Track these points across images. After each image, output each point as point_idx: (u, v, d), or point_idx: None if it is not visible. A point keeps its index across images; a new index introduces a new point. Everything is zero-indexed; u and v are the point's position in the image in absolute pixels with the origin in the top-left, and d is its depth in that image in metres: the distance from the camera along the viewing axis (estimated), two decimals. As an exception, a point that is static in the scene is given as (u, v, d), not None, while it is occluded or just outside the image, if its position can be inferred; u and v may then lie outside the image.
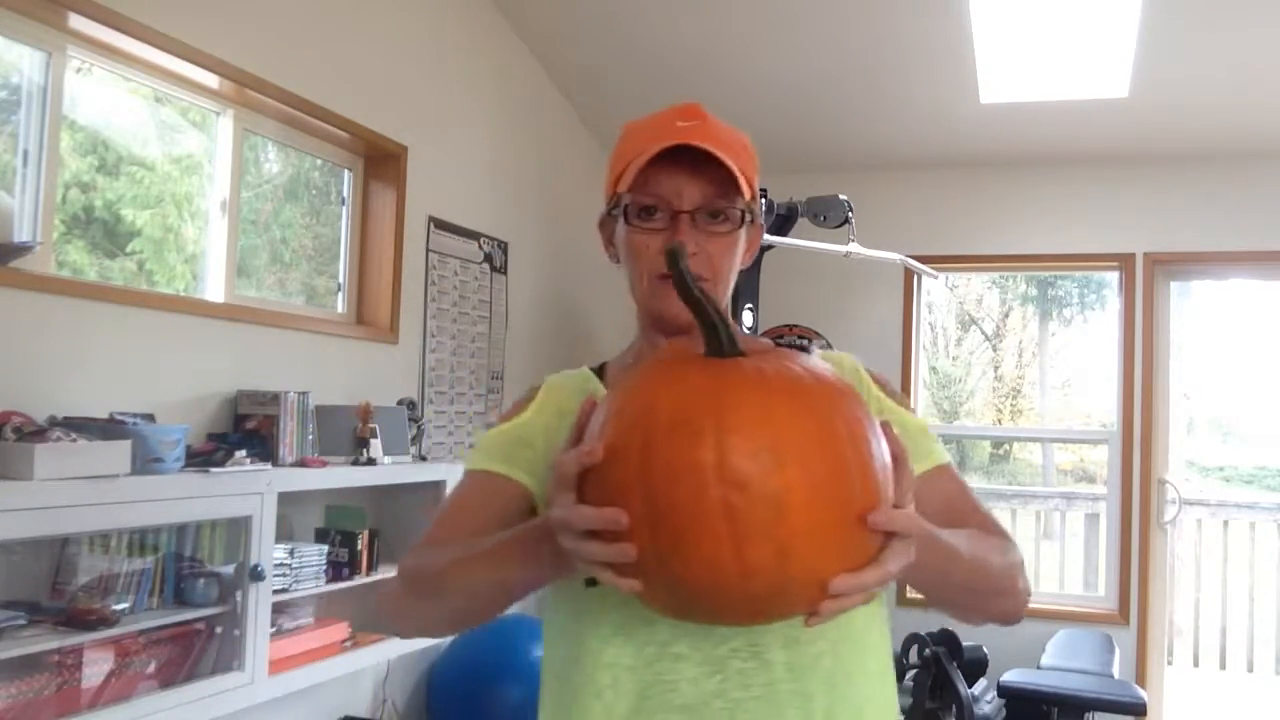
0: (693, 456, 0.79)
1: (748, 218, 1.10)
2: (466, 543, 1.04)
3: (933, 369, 7.49)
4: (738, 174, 1.04)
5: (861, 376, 1.17)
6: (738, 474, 0.78)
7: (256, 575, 2.49)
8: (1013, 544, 1.09)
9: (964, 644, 3.81)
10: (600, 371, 1.22)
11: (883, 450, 0.85)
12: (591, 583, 0.96)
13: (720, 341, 0.90)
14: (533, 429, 1.14)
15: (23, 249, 2.28)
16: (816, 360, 0.91)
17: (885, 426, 0.87)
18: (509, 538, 0.98)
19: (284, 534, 2.73)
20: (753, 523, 0.78)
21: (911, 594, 4.75)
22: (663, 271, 1.05)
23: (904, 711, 3.71)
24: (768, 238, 4.09)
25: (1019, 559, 1.09)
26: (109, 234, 2.76)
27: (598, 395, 0.94)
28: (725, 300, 1.12)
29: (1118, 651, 4.19)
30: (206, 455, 2.47)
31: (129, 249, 2.81)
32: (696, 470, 0.79)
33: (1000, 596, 1.07)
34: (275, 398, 2.74)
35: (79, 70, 2.58)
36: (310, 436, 2.84)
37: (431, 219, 3.71)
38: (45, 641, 2.06)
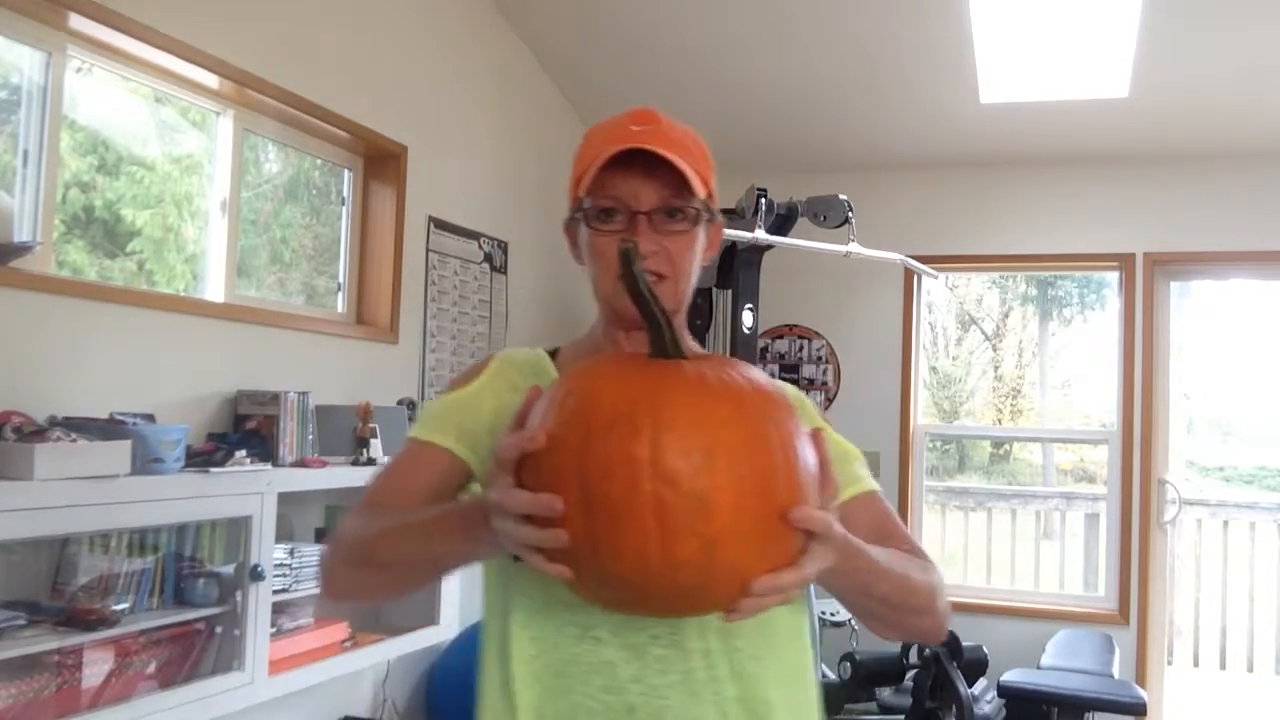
0: (628, 451, 0.83)
1: (705, 216, 1.14)
2: (399, 513, 1.07)
3: (933, 369, 7.49)
4: (690, 174, 1.08)
5: (805, 404, 1.22)
6: (670, 471, 0.82)
7: (256, 575, 2.49)
8: (934, 567, 1.14)
9: (964, 644, 3.81)
10: (554, 354, 1.25)
11: (809, 458, 0.90)
12: (517, 558, 1.00)
13: (664, 343, 0.94)
14: (480, 399, 1.18)
15: (23, 249, 2.28)
16: (757, 371, 0.95)
17: (816, 435, 0.92)
18: (443, 513, 1.02)
19: (284, 534, 2.73)
20: (681, 518, 0.82)
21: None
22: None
23: (904, 712, 3.71)
24: (767, 237, 4.09)
25: (940, 581, 1.13)
26: (109, 234, 2.76)
27: (548, 379, 0.97)
28: (687, 296, 1.16)
29: (1118, 651, 4.19)
30: (206, 455, 2.47)
31: (129, 249, 2.81)
32: (631, 465, 0.83)
33: (920, 614, 1.10)
34: (275, 398, 2.74)
35: (79, 70, 2.58)
36: (310, 436, 2.84)
37: (431, 219, 3.71)
38: (45, 641, 2.06)
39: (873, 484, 1.19)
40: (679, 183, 1.09)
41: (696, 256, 1.15)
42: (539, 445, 0.86)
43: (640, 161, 1.08)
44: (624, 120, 1.13)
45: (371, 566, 1.08)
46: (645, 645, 1.05)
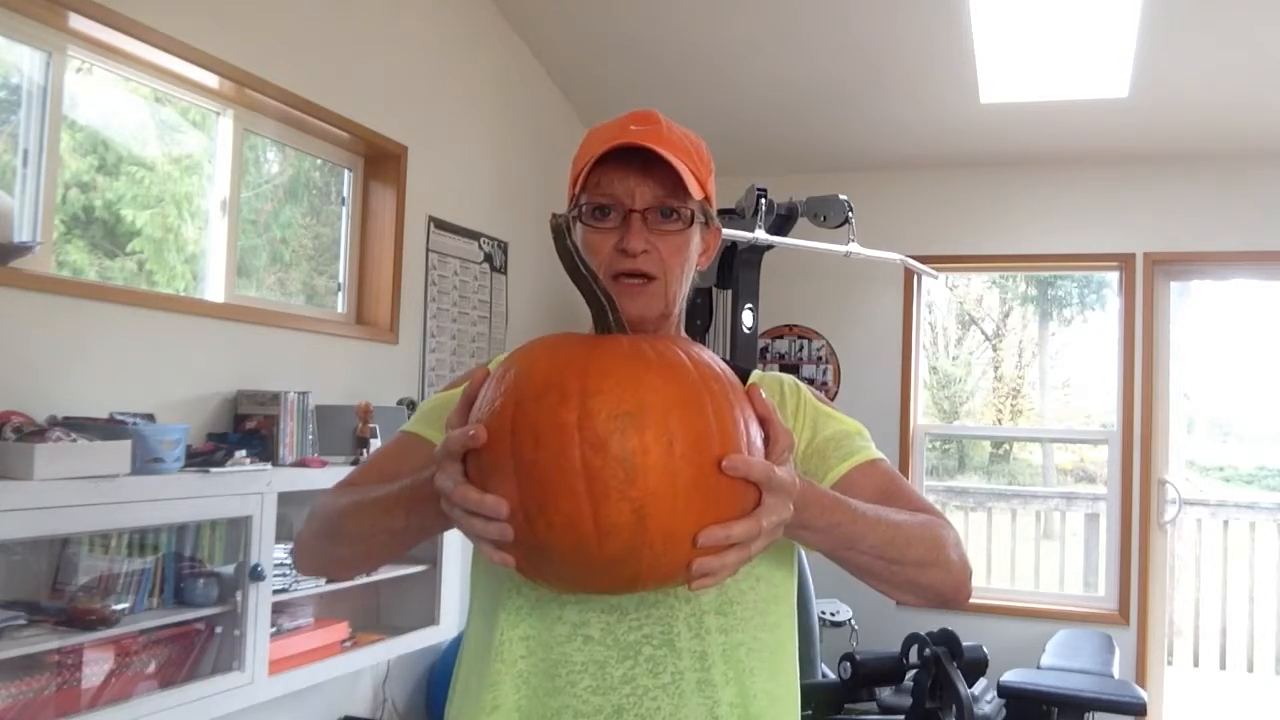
0: (558, 417, 0.83)
1: (700, 218, 1.13)
2: (366, 488, 1.09)
3: (933, 369, 7.49)
4: (686, 175, 1.07)
5: (801, 392, 1.22)
6: (597, 434, 0.82)
7: (256, 575, 2.49)
8: (945, 522, 1.10)
9: (964, 644, 3.81)
10: None
11: (750, 425, 0.89)
12: None
13: (608, 321, 0.94)
14: None
15: (23, 249, 2.28)
16: (704, 349, 0.94)
17: (753, 392, 0.91)
18: (402, 488, 1.02)
19: (284, 534, 2.73)
20: (610, 483, 0.81)
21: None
22: (616, 270, 1.09)
23: (904, 712, 3.71)
24: (767, 237, 4.09)
25: (951, 535, 1.08)
26: (109, 234, 2.75)
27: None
28: (679, 299, 1.15)
29: (1118, 651, 4.19)
30: (206, 455, 2.47)
31: (129, 249, 2.81)
32: (560, 431, 0.83)
33: (926, 568, 1.05)
34: (275, 398, 2.74)
35: (79, 70, 2.58)
36: (310, 436, 2.83)
37: (431, 219, 3.71)
38: (45, 641, 2.06)
39: (875, 453, 1.16)
40: (675, 183, 1.08)
41: (690, 259, 1.13)
42: (481, 441, 0.85)
43: (638, 160, 1.07)
44: (624, 120, 1.12)
45: (337, 540, 1.10)
46: (638, 645, 1.04)
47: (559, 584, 0.92)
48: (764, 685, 1.08)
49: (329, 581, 2.83)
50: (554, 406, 0.84)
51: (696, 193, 1.09)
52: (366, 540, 1.07)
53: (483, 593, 1.14)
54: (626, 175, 1.08)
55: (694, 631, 1.05)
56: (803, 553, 1.22)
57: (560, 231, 0.91)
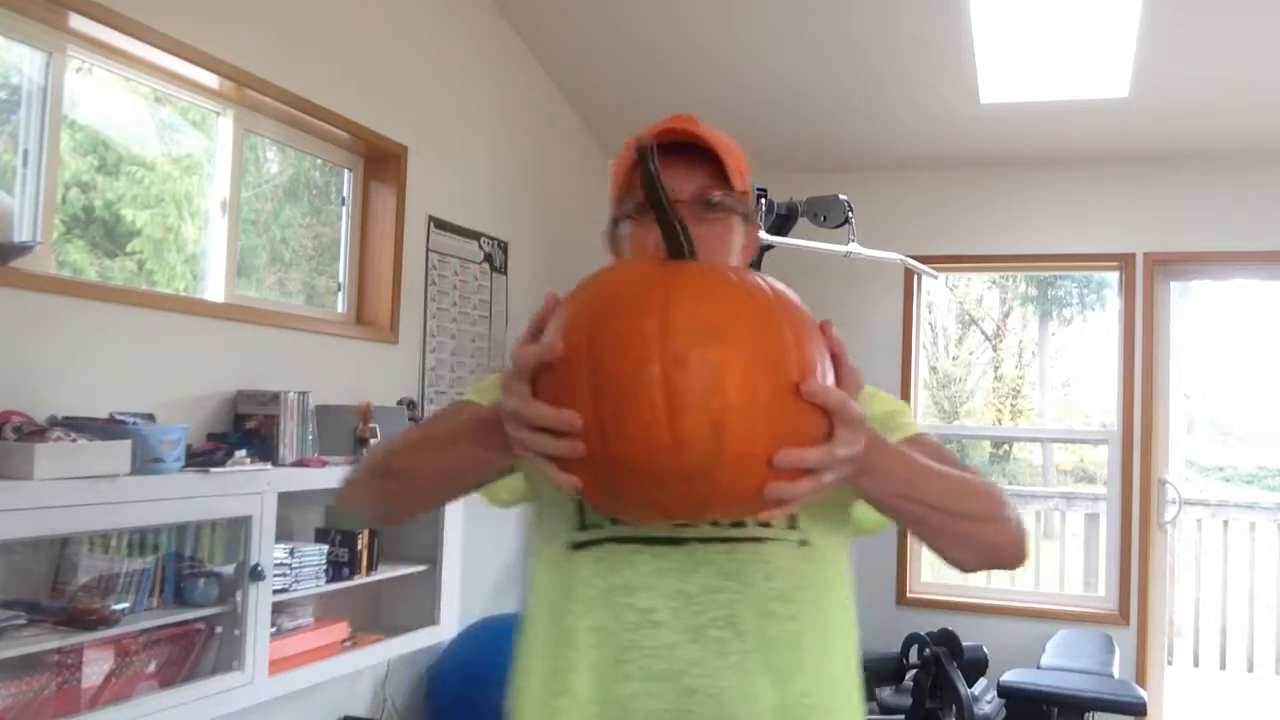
0: (638, 327, 0.82)
1: (741, 209, 1.16)
2: (422, 427, 1.11)
3: (933, 369, 7.49)
4: (727, 165, 1.11)
5: (877, 393, 1.25)
6: (679, 346, 0.81)
7: (256, 575, 2.49)
8: (997, 485, 1.11)
9: (964, 644, 3.81)
10: None
11: (825, 358, 0.89)
12: (578, 546, 1.10)
13: (680, 246, 0.94)
14: None
15: (23, 249, 2.28)
16: (784, 285, 0.94)
17: (825, 326, 0.92)
18: (459, 422, 1.03)
19: (284, 534, 2.73)
20: (689, 394, 0.80)
21: (913, 593, 4.74)
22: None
23: (904, 711, 3.71)
24: (767, 237, 4.09)
25: (1007, 496, 1.09)
26: (109, 234, 2.76)
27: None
28: None
29: (1118, 651, 4.19)
30: (206, 455, 2.47)
31: (129, 249, 2.81)
32: (641, 341, 0.82)
33: (983, 521, 1.05)
34: (275, 398, 2.74)
35: (79, 70, 2.58)
36: (310, 436, 2.83)
37: (431, 219, 3.71)
38: (45, 641, 2.06)
39: (917, 428, 1.18)
40: (716, 174, 1.12)
41: (733, 250, 1.15)
42: (558, 354, 0.84)
43: (679, 157, 1.11)
44: (663, 121, 1.15)
45: (386, 477, 1.11)
46: (704, 627, 1.06)
47: (626, 505, 0.90)
48: (832, 671, 1.12)
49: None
50: (635, 318, 0.83)
51: (737, 184, 1.12)
52: (417, 477, 1.08)
53: (548, 588, 1.15)
54: (669, 169, 1.09)
55: (759, 615, 1.07)
56: None
57: (645, 154, 0.91)
